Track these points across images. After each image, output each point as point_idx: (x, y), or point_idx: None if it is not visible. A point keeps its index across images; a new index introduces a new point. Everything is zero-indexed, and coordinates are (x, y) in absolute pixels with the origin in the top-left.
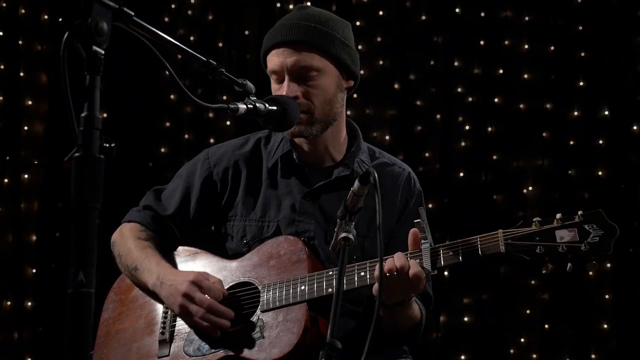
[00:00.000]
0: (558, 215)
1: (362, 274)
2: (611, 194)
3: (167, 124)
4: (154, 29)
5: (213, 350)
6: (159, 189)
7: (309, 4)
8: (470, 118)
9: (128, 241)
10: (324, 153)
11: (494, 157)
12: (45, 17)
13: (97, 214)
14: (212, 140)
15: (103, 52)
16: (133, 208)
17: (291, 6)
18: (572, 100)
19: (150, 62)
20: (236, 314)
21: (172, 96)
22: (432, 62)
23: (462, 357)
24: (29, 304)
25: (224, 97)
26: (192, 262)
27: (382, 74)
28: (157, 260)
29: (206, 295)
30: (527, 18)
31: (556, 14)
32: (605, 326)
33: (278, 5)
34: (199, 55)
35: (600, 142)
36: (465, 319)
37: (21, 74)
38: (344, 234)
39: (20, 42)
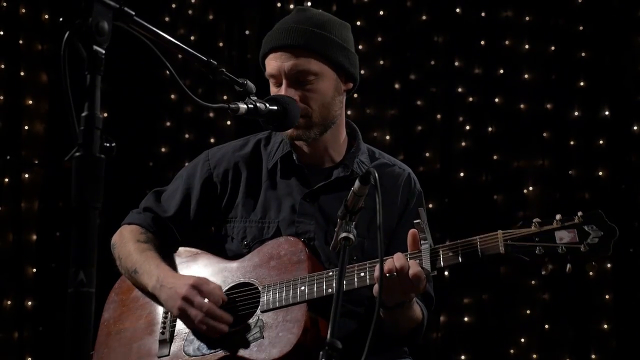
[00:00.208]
0: (558, 216)
1: (362, 274)
2: (611, 194)
3: (168, 124)
4: (154, 28)
5: (213, 350)
6: (159, 191)
7: (309, 3)
8: (471, 118)
9: (128, 244)
10: (323, 154)
11: (494, 157)
12: (46, 16)
13: (97, 213)
14: (212, 140)
15: (104, 51)
16: (133, 210)
17: (292, 6)
18: (572, 100)
19: (150, 62)
20: (236, 314)
21: (172, 96)
22: (432, 62)
23: (462, 357)
24: (29, 303)
25: (225, 97)
26: (193, 263)
27: (383, 73)
28: (157, 263)
29: (206, 300)
30: (527, 18)
31: (557, 14)
32: (606, 326)
33: (278, 5)
34: (199, 55)
35: (601, 142)
36: (466, 319)
37: (22, 74)
38: (344, 234)
39: (20, 42)
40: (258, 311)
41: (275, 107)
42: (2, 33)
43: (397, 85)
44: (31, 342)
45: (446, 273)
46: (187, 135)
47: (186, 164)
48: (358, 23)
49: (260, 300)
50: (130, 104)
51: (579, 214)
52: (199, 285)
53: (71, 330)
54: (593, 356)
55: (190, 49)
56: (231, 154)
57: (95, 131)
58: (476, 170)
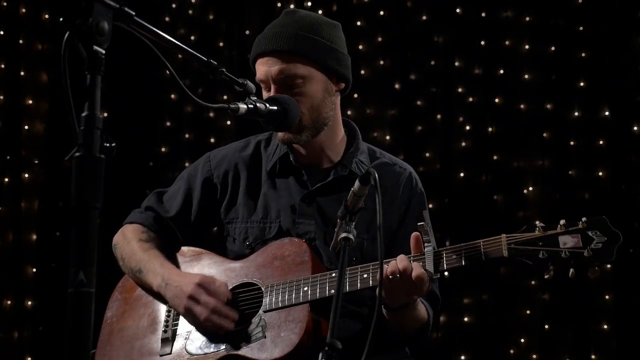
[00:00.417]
0: (562, 221)
1: (365, 275)
2: (611, 195)
3: (168, 124)
4: (154, 28)
5: (215, 349)
6: (160, 192)
7: (309, 4)
8: (471, 118)
9: (131, 243)
10: (320, 154)
11: (495, 157)
12: (46, 16)
13: (97, 213)
14: (212, 140)
15: (104, 51)
16: (135, 210)
17: (292, 6)
18: (572, 100)
19: (150, 62)
20: (239, 314)
21: (172, 96)
22: (432, 62)
23: (462, 357)
24: (29, 303)
25: (225, 97)
26: (197, 263)
27: (383, 73)
28: (161, 261)
29: (212, 297)
30: (527, 18)
31: (557, 14)
32: (606, 327)
33: (279, 5)
34: (199, 55)
35: (601, 142)
36: (466, 319)
37: (22, 74)
38: (344, 234)
39: (21, 42)
40: (260, 311)
41: (275, 107)
42: (2, 33)
43: (397, 86)
44: (31, 342)
45: (446, 273)
46: (187, 135)
47: (187, 165)
48: (358, 23)
49: (263, 300)
50: (131, 104)
51: (583, 219)
52: (206, 284)
53: (71, 330)
54: (593, 356)
55: (190, 49)
56: (232, 155)
57: (95, 131)
58: (476, 170)
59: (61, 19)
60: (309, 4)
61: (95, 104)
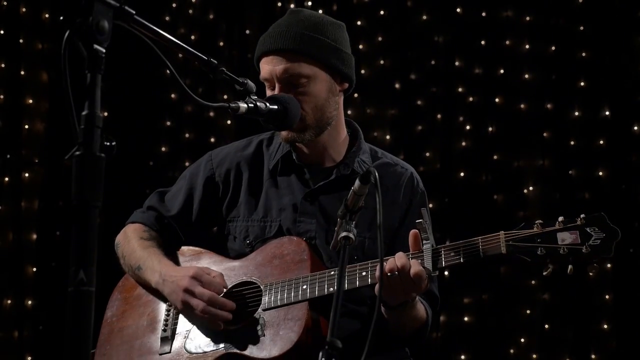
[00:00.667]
0: (560, 218)
1: (364, 273)
2: (612, 195)
3: (168, 123)
4: (155, 27)
5: (214, 348)
6: (162, 191)
7: (309, 3)
8: (471, 118)
9: (131, 241)
10: (323, 154)
11: (495, 157)
12: (46, 15)
13: (97, 212)
14: (212, 140)
15: (104, 50)
16: (137, 210)
17: (292, 5)
18: (572, 100)
19: (151, 61)
20: (238, 312)
21: (173, 95)
22: (432, 62)
23: (462, 357)
24: (30, 302)
25: (225, 96)
26: (196, 262)
27: (383, 73)
28: (159, 258)
29: (207, 289)
30: (528, 18)
31: (557, 14)
32: (606, 326)
33: (279, 4)
34: (199, 54)
35: (601, 142)
36: (466, 318)
37: (22, 73)
38: (344, 233)
39: (21, 41)
40: (260, 309)
41: (276, 107)
42: (2, 32)
43: (397, 85)
44: (31, 341)
45: (446, 273)
46: (187, 135)
47: (187, 164)
48: (358, 23)
49: (262, 299)
50: (131, 103)
51: (582, 216)
52: (200, 276)
53: (71, 329)
54: (593, 356)
55: (190, 48)
56: (234, 154)
57: (96, 130)
58: (476, 170)
59: (61, 18)
60: (309, 3)
61: (96, 103)
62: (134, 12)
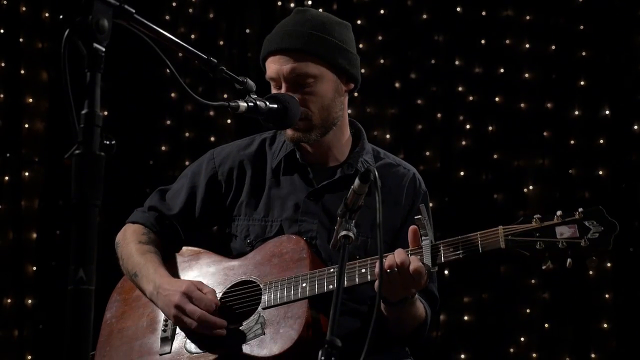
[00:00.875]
0: (558, 212)
1: (363, 270)
2: (612, 194)
3: (168, 122)
4: (155, 26)
5: (214, 347)
6: (163, 189)
7: (309, 2)
8: (471, 117)
9: (130, 244)
10: (327, 153)
11: (495, 156)
12: (46, 14)
13: (97, 211)
14: (212, 139)
15: (104, 49)
16: (138, 208)
17: (292, 4)
18: (572, 99)
19: (151, 60)
20: (238, 311)
21: (172, 94)
22: (433, 61)
23: (462, 356)
24: (29, 301)
25: (225, 95)
26: (195, 262)
27: (383, 72)
28: (155, 267)
29: (197, 307)
30: (528, 17)
31: (557, 13)
32: (606, 325)
33: (279, 3)
34: (199, 53)
35: (601, 141)
36: (466, 317)
37: (22, 72)
38: (344, 232)
39: (21, 40)
40: (259, 308)
41: (276, 106)
42: (2, 31)
43: (397, 84)
44: (31, 340)
45: (446, 272)
46: (187, 134)
47: (187, 163)
48: (358, 22)
49: (262, 297)
50: (131, 102)
51: (580, 209)
52: (190, 292)
53: (71, 328)
54: (593, 355)
55: (190, 47)
56: (236, 153)
57: (95, 129)
58: (476, 169)
59: (61, 17)
60: (309, 2)
61: (95, 102)
62: (133, 10)
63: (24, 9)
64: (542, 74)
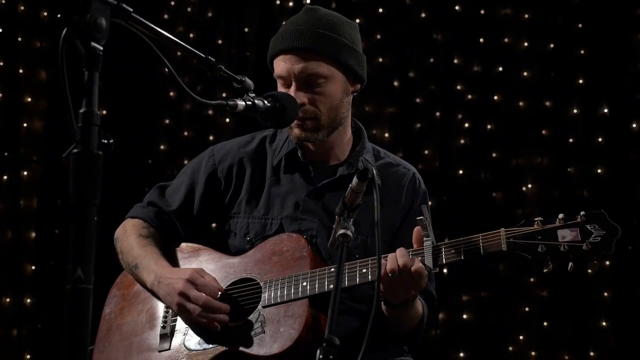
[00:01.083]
0: (560, 215)
1: (364, 270)
2: (610, 192)
3: (167, 121)
4: (153, 25)
5: (214, 345)
6: (163, 185)
7: (308, 0)
8: (470, 115)
9: (130, 238)
10: (329, 152)
11: (493, 154)
12: (45, 14)
13: (95, 210)
14: (211, 138)
15: (102, 48)
16: (137, 204)
17: (291, 4)
18: (571, 97)
19: (149, 59)
20: (238, 309)
21: (171, 93)
22: (431, 60)
23: (461, 354)
24: (28, 300)
25: (223, 94)
26: (195, 259)
27: (382, 71)
28: (156, 258)
29: (202, 293)
30: (526, 16)
31: (556, 11)
32: (604, 324)
33: (277, 2)
34: (198, 52)
35: (600, 139)
36: (464, 316)
37: (20, 71)
38: (342, 231)
39: (19, 39)
40: (259, 306)
41: (274, 104)
42: (0, 30)
43: (396, 83)
44: (30, 340)
45: (445, 270)
46: (186, 133)
47: (186, 162)
48: (357, 20)
49: (262, 295)
50: (129, 101)
51: (582, 213)
52: (194, 279)
53: (69, 327)
54: (591, 353)
55: (189, 46)
56: (236, 150)
57: (93, 127)
58: (475, 167)
59: (59, 16)
60: (308, 0)
61: (93, 101)
62: (131, 9)
63: (22, 8)
64: (541, 73)
